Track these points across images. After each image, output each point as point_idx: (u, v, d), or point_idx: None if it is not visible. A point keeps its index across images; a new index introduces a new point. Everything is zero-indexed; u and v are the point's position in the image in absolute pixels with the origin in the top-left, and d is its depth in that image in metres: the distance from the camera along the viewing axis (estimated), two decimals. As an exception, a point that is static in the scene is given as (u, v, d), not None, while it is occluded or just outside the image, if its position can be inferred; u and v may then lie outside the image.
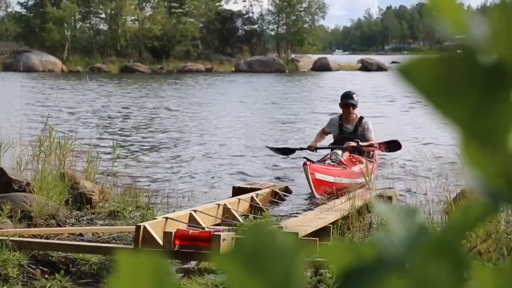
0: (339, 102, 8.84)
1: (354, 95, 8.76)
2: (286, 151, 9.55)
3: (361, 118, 8.78)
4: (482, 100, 0.39)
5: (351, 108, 8.66)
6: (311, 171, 7.47)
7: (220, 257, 0.43)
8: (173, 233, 4.59)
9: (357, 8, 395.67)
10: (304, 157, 7.97)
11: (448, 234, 0.41)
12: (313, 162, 7.75)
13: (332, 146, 8.61)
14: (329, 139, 9.03)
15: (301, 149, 9.05)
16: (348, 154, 8.33)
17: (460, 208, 0.42)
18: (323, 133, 8.97)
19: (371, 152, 8.69)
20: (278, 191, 7.39)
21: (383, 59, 60.06)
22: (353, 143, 8.42)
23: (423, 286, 0.41)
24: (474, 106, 0.39)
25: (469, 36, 0.40)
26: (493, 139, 0.39)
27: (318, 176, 7.58)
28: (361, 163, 8.03)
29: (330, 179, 7.71)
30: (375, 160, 8.70)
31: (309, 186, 7.51)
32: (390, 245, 0.43)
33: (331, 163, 8.05)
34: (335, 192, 7.24)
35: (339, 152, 8.26)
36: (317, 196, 7.41)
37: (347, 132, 8.70)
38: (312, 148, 8.69)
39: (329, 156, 8.30)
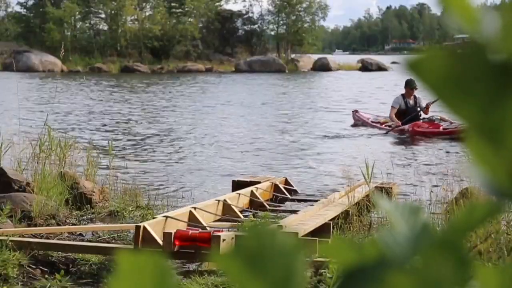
0: (404, 86, 13.17)
1: (414, 81, 13.04)
2: None
3: (415, 95, 13.24)
4: (491, 97, 0.39)
5: (414, 90, 12.98)
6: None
7: (221, 257, 0.43)
8: (172, 234, 4.57)
9: (357, 8, 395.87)
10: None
11: (452, 232, 0.41)
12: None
13: (410, 117, 13.03)
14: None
15: (389, 130, 13.06)
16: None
17: (465, 206, 0.42)
18: (395, 112, 13.24)
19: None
20: (278, 184, 7.37)
21: (383, 59, 60.08)
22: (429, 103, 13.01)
23: (426, 285, 0.40)
24: (483, 102, 0.39)
25: (480, 32, 0.40)
26: (501, 137, 0.39)
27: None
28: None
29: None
30: None
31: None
32: (393, 243, 0.42)
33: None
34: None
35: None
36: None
37: (411, 104, 13.28)
38: (400, 125, 12.90)
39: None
